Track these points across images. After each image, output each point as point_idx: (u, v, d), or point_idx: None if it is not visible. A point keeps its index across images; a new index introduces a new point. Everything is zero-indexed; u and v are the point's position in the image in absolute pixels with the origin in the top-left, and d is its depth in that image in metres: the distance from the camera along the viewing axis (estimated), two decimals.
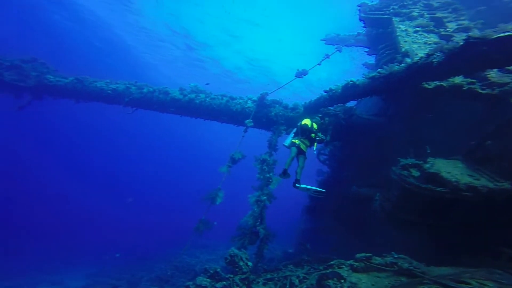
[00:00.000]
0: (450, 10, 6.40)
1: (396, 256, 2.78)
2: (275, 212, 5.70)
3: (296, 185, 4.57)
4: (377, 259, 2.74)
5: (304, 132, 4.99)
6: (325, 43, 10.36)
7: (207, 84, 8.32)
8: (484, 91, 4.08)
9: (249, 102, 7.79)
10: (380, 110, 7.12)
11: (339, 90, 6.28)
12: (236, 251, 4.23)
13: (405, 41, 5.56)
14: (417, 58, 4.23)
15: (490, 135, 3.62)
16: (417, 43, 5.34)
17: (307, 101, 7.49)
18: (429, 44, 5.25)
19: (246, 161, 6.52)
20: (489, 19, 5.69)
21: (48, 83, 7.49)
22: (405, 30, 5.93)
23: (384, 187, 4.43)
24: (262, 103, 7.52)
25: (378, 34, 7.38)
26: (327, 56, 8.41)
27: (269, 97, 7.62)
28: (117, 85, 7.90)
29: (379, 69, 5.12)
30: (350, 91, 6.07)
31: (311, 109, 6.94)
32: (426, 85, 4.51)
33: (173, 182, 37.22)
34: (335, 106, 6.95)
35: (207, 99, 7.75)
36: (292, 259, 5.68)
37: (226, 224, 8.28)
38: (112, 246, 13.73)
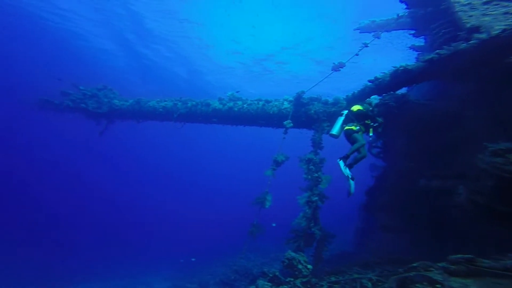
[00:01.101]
0: None
1: None
2: (325, 210, 5.42)
3: (341, 161, 4.11)
4: (485, 262, 2.22)
5: (359, 118, 4.60)
6: (360, 32, 9.73)
7: (238, 92, 8.63)
8: None
9: (285, 103, 7.76)
10: (442, 93, 6.22)
11: (387, 78, 5.78)
12: (293, 254, 4.12)
13: (470, 16, 4.81)
14: (497, 32, 3.56)
15: None
16: (490, 15, 4.53)
17: (349, 94, 7.08)
18: None
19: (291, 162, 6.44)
20: None
21: (116, 107, 8.96)
22: (468, 4, 5.13)
23: (465, 177, 3.72)
24: (299, 102, 7.41)
25: (427, 14, 6.62)
26: (365, 45, 7.83)
27: (305, 95, 7.47)
28: (166, 102, 8.89)
29: (437, 51, 4.54)
30: (401, 78, 5.53)
31: (354, 102, 6.52)
32: None
33: (230, 187, 38.97)
34: (383, 95, 6.39)
35: (244, 105, 8.04)
36: (353, 260, 5.22)
37: (272, 226, 8.22)
38: (181, 250, 15.04)
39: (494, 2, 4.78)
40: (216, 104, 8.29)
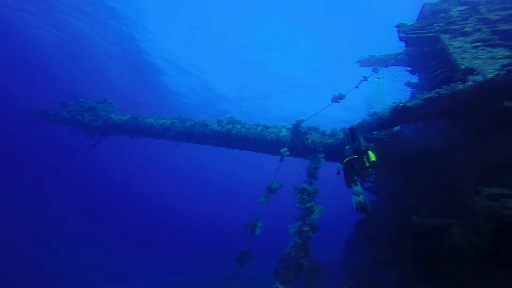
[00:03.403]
0: None
1: None
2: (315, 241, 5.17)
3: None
4: None
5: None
6: (360, 65, 10.10)
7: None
8: None
9: (284, 130, 7.74)
10: (438, 133, 6.24)
11: (387, 114, 5.81)
12: (281, 286, 3.83)
13: (463, 58, 4.99)
14: (492, 75, 3.64)
15: None
16: (480, 59, 4.71)
17: (346, 127, 7.09)
18: (499, 58, 4.55)
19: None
20: None
21: (112, 121, 8.86)
22: (460, 47, 5.37)
23: (460, 217, 3.57)
24: (297, 130, 7.39)
25: (424, 53, 6.91)
26: (365, 78, 8.06)
27: (304, 124, 7.47)
28: (164, 120, 8.83)
29: (437, 90, 4.61)
30: (400, 115, 5.55)
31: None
32: (509, 103, 3.78)
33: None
34: (380, 130, 6.41)
35: (243, 129, 7.99)
36: None
37: (260, 254, 7.77)
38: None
39: (481, 47, 4.99)
40: (214, 126, 8.23)
